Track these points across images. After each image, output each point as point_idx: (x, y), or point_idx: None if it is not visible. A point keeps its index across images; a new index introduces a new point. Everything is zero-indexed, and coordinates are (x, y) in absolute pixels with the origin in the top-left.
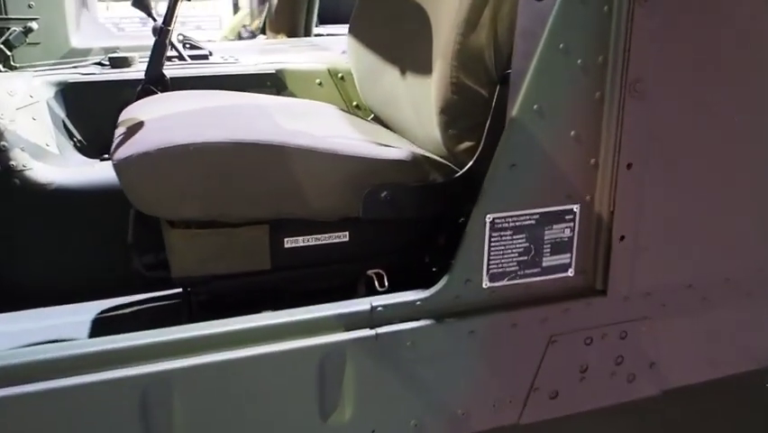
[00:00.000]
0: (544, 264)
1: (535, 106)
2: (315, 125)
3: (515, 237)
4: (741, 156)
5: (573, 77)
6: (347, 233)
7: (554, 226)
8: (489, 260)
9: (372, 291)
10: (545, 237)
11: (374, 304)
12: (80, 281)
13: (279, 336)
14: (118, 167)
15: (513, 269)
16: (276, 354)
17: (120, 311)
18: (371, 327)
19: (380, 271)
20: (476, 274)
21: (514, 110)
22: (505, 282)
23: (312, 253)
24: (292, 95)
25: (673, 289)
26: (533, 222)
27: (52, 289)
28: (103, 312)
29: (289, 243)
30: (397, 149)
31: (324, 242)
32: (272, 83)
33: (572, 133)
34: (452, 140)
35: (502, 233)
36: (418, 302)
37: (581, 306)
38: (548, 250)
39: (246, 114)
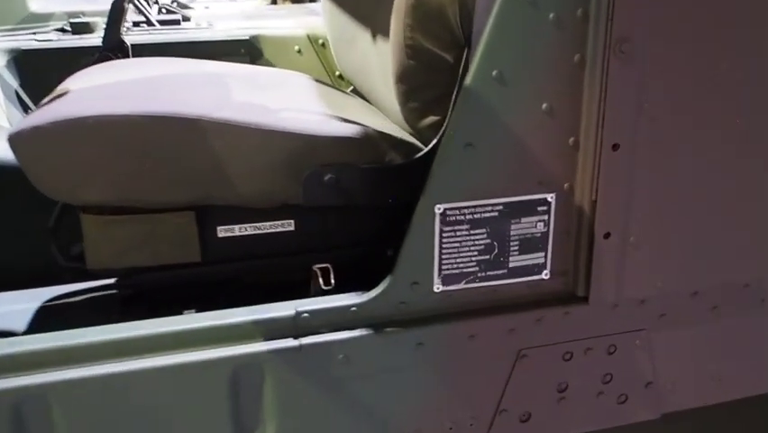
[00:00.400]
0: (510, 265)
1: (495, 72)
2: (272, 98)
3: (473, 232)
4: (755, 133)
5: (544, 35)
6: (292, 221)
7: (523, 220)
8: (440, 259)
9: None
10: (512, 233)
11: (300, 309)
12: (28, 266)
13: (183, 345)
14: (11, 142)
15: (471, 270)
16: (178, 367)
17: (56, 302)
18: (295, 337)
19: (326, 265)
20: (425, 276)
21: (469, 76)
22: (462, 286)
23: (251, 245)
24: (269, 63)
25: (675, 296)
26: (495, 214)
27: None
28: (44, 301)
29: (224, 232)
30: (349, 124)
31: (265, 231)
32: (246, 50)
33: (544, 105)
34: (413, 114)
35: (457, 227)
36: (354, 308)
37: (558, 315)
38: (516, 248)
39: (192, 83)
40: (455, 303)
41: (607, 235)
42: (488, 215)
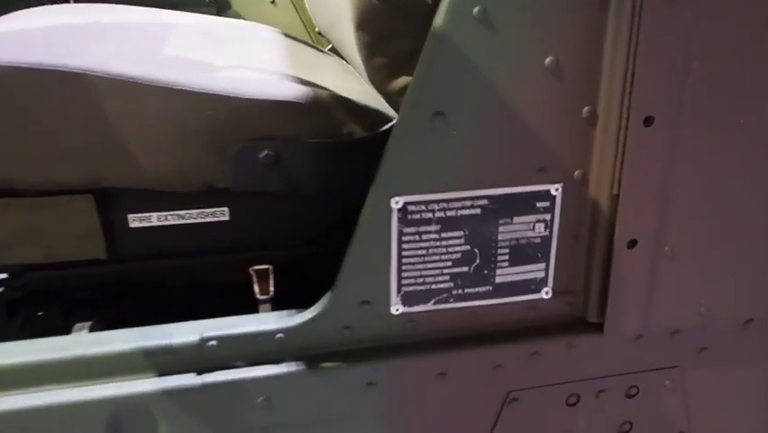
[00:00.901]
0: (497, 280)
1: (476, 10)
2: (221, 54)
3: (445, 236)
4: None
5: None
6: (226, 209)
7: (516, 220)
8: (400, 271)
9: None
10: (501, 237)
11: (206, 335)
12: None
13: (46, 379)
14: None
15: (443, 286)
16: (38, 410)
17: None
18: (199, 372)
19: (266, 267)
20: (378, 293)
21: (439, 16)
22: (429, 307)
23: (174, 238)
24: (237, 16)
25: (722, 325)
26: (477, 211)
27: None
28: None
29: (137, 221)
30: (299, 86)
31: (191, 221)
32: (212, 1)
33: (548, 59)
34: (380, 72)
35: (422, 228)
36: (280, 335)
37: (561, 347)
38: (505, 257)
39: (123, 35)
40: (420, 330)
41: (632, 243)
42: (466, 212)
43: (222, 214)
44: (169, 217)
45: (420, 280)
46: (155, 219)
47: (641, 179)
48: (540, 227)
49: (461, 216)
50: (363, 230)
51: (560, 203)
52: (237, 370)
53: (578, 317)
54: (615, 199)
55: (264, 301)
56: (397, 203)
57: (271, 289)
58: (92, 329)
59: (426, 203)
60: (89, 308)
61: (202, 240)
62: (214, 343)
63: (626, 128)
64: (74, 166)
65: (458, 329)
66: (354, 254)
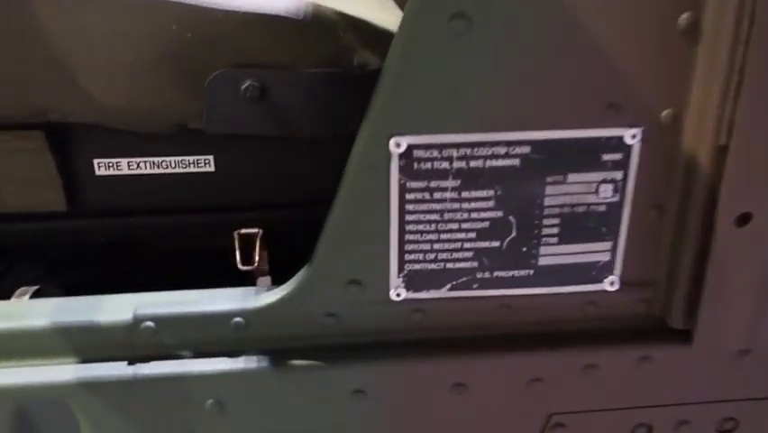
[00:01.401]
0: (541, 262)
1: None
2: None
3: (468, 195)
4: None
5: None
6: (211, 158)
7: (572, 178)
8: (402, 241)
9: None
10: (548, 201)
11: (141, 313)
12: None
13: None
14: None
15: (464, 266)
16: None
17: None
18: (131, 361)
19: (255, 231)
20: (372, 271)
21: None
22: (443, 294)
23: (149, 190)
24: None
25: None
26: (515, 163)
27: None
28: None
29: (104, 168)
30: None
31: (169, 171)
32: None
33: None
34: None
35: (435, 182)
36: (238, 319)
37: (629, 360)
38: (554, 231)
39: None
40: (430, 324)
41: (743, 219)
42: (498, 163)
43: (206, 163)
44: (142, 165)
45: (431, 256)
46: (125, 166)
47: (764, 124)
48: (606, 190)
49: (492, 168)
50: (352, 182)
51: (637, 157)
52: (180, 362)
53: (655, 320)
54: (721, 154)
55: (248, 275)
56: (398, 146)
57: (256, 258)
58: (36, 296)
59: (441, 147)
60: (47, 272)
61: (183, 195)
62: (150, 324)
63: (747, 42)
64: (12, 94)
65: (483, 326)
66: (340, 216)
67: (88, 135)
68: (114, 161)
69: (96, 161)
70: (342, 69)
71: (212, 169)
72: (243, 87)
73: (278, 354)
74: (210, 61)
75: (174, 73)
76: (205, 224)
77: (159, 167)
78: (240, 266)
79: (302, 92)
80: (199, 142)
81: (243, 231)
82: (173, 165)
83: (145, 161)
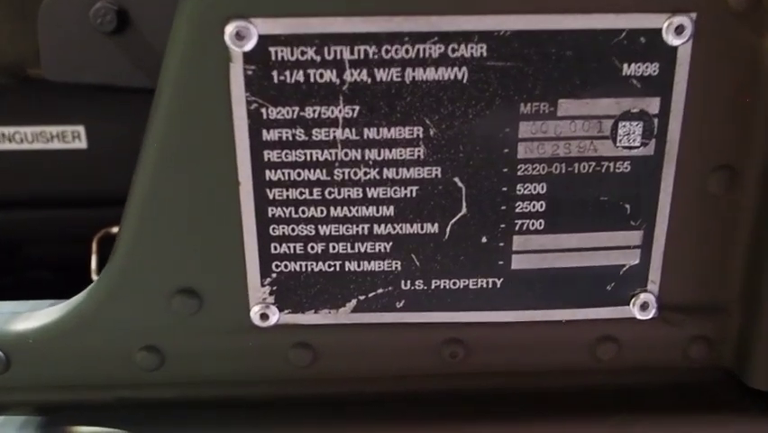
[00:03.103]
0: (515, 264)
1: None
2: None
3: (374, 136)
4: None
5: None
6: (82, 129)
7: (565, 108)
8: (263, 223)
9: None
10: (522, 150)
11: None
12: None
13: None
14: None
15: (378, 267)
16: None
17: None
18: None
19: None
20: (214, 277)
21: None
22: (344, 317)
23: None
24: None
25: None
26: (460, 76)
27: None
28: None
29: None
30: None
31: (25, 147)
32: None
33: None
34: None
35: (313, 110)
36: None
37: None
38: (536, 205)
39: None
40: (318, 371)
41: None
42: (428, 74)
43: (77, 136)
44: None
45: (317, 248)
46: None
47: None
48: (632, 134)
49: (418, 84)
50: (165, 117)
51: (686, 70)
52: None
53: (722, 376)
54: None
55: None
56: (241, 37)
57: None
58: None
59: (321, 41)
60: None
61: (46, 179)
62: None
63: None
64: None
65: (416, 379)
66: (151, 179)
67: None
68: None
69: None
70: None
71: (83, 145)
72: (93, 10)
73: (57, 412)
74: None
75: None
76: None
77: (9, 141)
78: (94, 277)
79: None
80: (64, 106)
81: (114, 230)
82: (29, 138)
83: None
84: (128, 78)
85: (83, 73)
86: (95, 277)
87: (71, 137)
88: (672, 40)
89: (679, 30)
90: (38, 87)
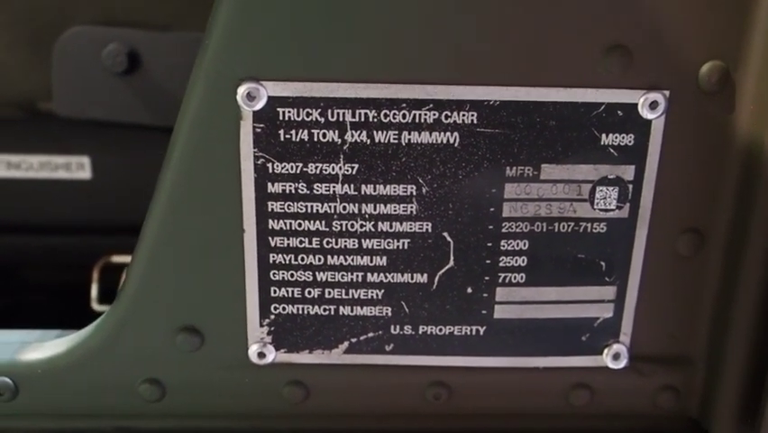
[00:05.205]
0: (497, 313)
1: None
2: None
3: (375, 193)
4: None
5: None
6: (87, 161)
7: (548, 173)
8: (264, 268)
9: None
10: (507, 210)
11: None
12: None
13: None
14: None
15: (370, 313)
16: None
17: None
18: None
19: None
20: (216, 316)
21: None
22: (337, 357)
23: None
24: None
25: None
26: (451, 140)
27: None
28: None
29: None
30: None
31: (31, 175)
32: None
33: None
34: None
35: (315, 167)
36: (3, 380)
37: None
38: (520, 263)
39: None
40: (311, 408)
41: None
42: (422, 137)
43: (81, 168)
44: None
45: (314, 293)
46: None
47: None
48: (608, 198)
49: (413, 146)
50: (179, 167)
51: (659, 141)
52: None
53: (689, 425)
54: None
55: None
56: (252, 98)
57: None
58: None
59: (325, 104)
60: None
61: (50, 207)
62: None
63: None
64: None
65: (403, 419)
66: (162, 222)
67: None
68: None
69: None
70: None
71: (87, 175)
72: (105, 51)
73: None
74: (62, 17)
75: (12, 31)
76: (77, 247)
77: (17, 169)
78: (95, 306)
79: (185, 62)
80: (71, 137)
81: (115, 258)
82: (36, 167)
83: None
84: (135, 116)
85: (92, 110)
86: (95, 305)
87: (76, 168)
88: (646, 114)
89: (653, 105)
90: (46, 119)
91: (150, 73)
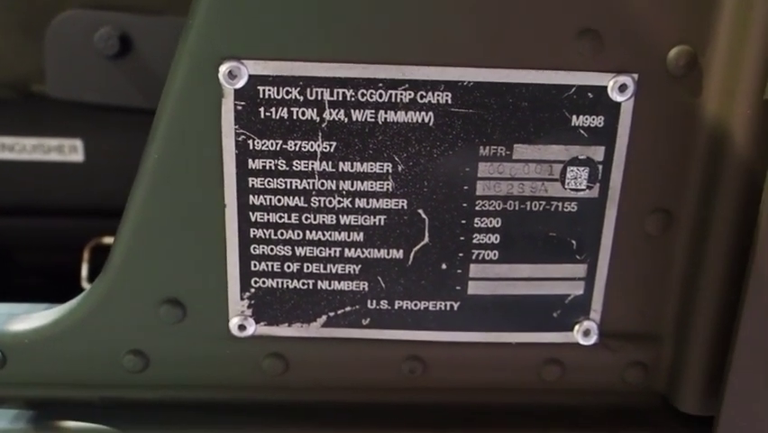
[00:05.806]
0: (471, 289)
1: None
2: None
3: (352, 171)
4: None
5: None
6: (79, 143)
7: (520, 153)
8: (245, 242)
9: None
10: (480, 188)
11: None
12: None
13: None
14: None
15: (347, 287)
16: None
17: None
18: None
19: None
20: (198, 289)
21: None
22: (315, 331)
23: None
24: None
25: None
26: (426, 119)
27: None
28: None
29: None
30: None
31: (24, 157)
32: None
33: None
34: None
35: (294, 144)
36: None
37: None
38: (491, 237)
39: None
40: (291, 380)
41: None
42: (398, 116)
43: (73, 151)
44: None
45: (293, 267)
46: None
47: None
48: (578, 178)
49: (389, 125)
50: (162, 143)
51: (629, 123)
52: None
53: (655, 400)
54: None
55: None
56: (233, 76)
57: None
58: None
59: (304, 82)
60: None
61: (43, 189)
62: None
63: None
64: None
65: (379, 391)
66: (145, 197)
67: None
68: None
69: None
70: None
71: (80, 158)
72: (98, 35)
73: (47, 408)
74: (55, 1)
75: (6, 15)
76: (70, 230)
77: (10, 151)
78: (84, 285)
79: (176, 46)
80: (64, 119)
81: (105, 240)
82: (29, 149)
83: None
84: (126, 98)
85: (85, 92)
86: (85, 284)
87: (69, 150)
88: (616, 96)
89: (622, 88)
90: (39, 102)
91: (142, 56)
